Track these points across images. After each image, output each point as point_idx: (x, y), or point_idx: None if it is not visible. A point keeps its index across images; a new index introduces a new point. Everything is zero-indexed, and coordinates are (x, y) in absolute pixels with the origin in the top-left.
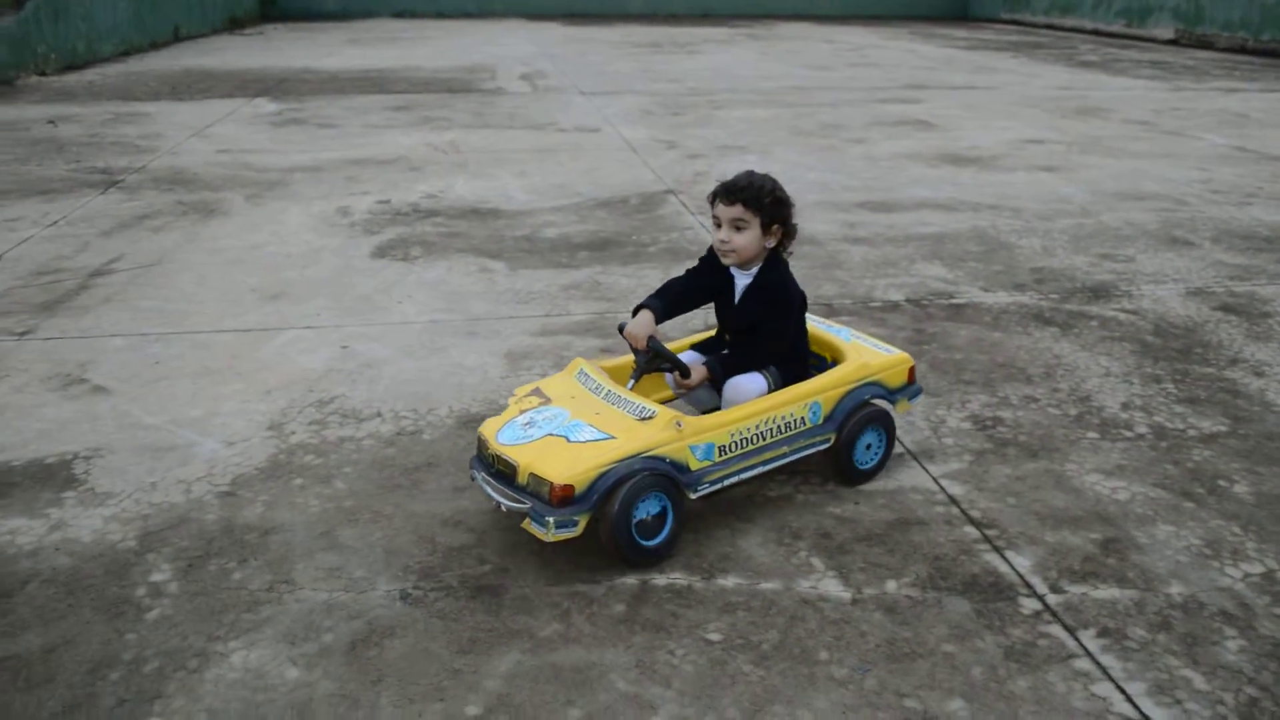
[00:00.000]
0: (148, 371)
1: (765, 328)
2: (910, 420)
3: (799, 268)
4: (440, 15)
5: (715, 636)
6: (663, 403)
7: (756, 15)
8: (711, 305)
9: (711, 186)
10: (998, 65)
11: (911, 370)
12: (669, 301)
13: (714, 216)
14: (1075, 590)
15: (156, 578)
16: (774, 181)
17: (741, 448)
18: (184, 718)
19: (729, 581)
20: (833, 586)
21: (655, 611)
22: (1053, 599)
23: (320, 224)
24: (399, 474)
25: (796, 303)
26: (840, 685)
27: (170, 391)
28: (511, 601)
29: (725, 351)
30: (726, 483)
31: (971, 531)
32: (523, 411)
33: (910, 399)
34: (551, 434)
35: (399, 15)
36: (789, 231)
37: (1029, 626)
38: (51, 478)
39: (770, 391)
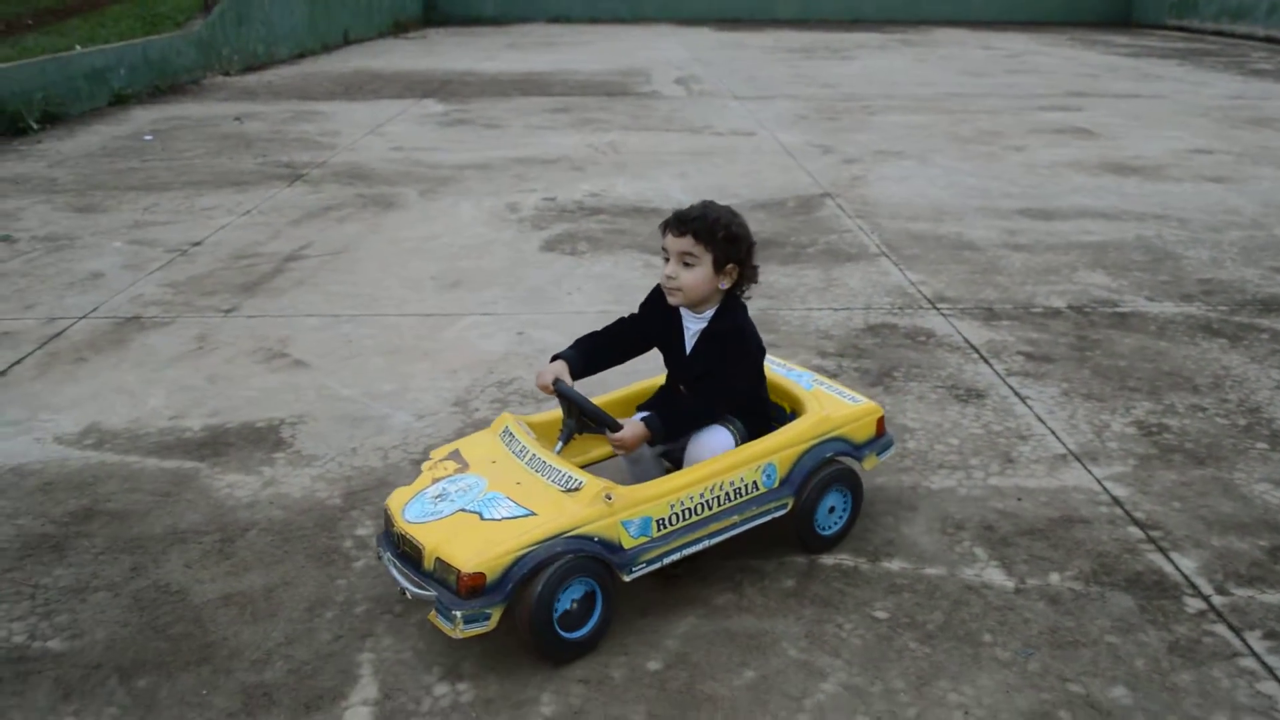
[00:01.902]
0: (342, 349)
1: (720, 379)
2: (1072, 423)
3: (958, 273)
4: (594, 20)
5: (881, 614)
6: (601, 462)
7: (910, 21)
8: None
9: (869, 191)
10: (1163, 73)
11: (880, 421)
12: (587, 351)
13: (662, 249)
14: (1241, 593)
15: (360, 532)
16: (733, 215)
17: (683, 519)
18: (393, 654)
19: (894, 565)
20: (996, 575)
21: (823, 588)
22: (1218, 600)
23: (491, 218)
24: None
25: (755, 351)
26: (1004, 666)
27: (363, 368)
28: (684, 571)
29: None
30: (667, 560)
31: (1135, 532)
32: (435, 480)
33: (880, 454)
34: (464, 509)
35: (554, 20)
36: (746, 273)
37: (1193, 624)
38: (262, 440)
39: (737, 447)
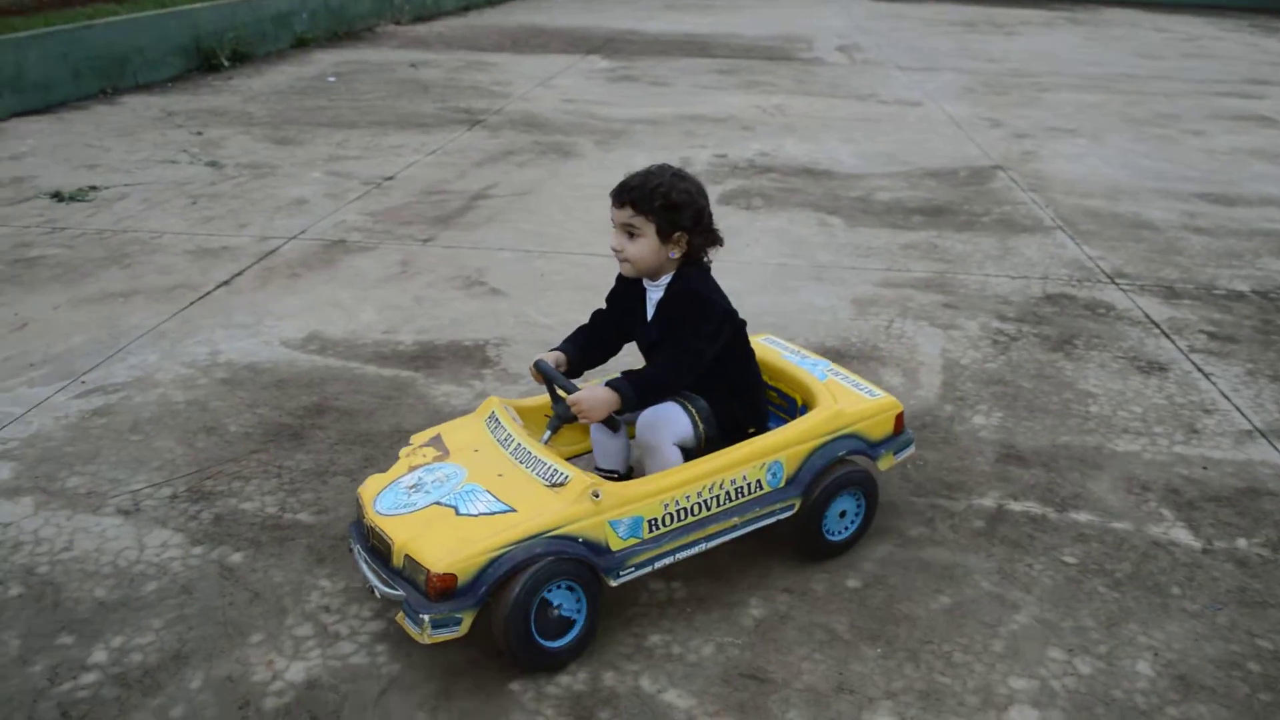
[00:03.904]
0: (535, 281)
1: (675, 340)
2: (1258, 401)
3: (1136, 251)
4: None
5: (1070, 560)
6: (580, 456)
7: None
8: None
9: (1042, 166)
10: None
11: (899, 418)
12: (580, 345)
13: (611, 219)
14: None
15: None
16: (678, 180)
17: (678, 519)
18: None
19: (1081, 517)
20: (1182, 535)
21: (1013, 531)
22: None
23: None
24: None
25: (716, 316)
26: (1192, 617)
27: (557, 299)
28: (880, 504)
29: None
30: (659, 564)
31: None
32: (412, 469)
33: (897, 452)
34: (439, 502)
35: None
36: (701, 239)
37: None
38: (470, 357)
39: (696, 429)
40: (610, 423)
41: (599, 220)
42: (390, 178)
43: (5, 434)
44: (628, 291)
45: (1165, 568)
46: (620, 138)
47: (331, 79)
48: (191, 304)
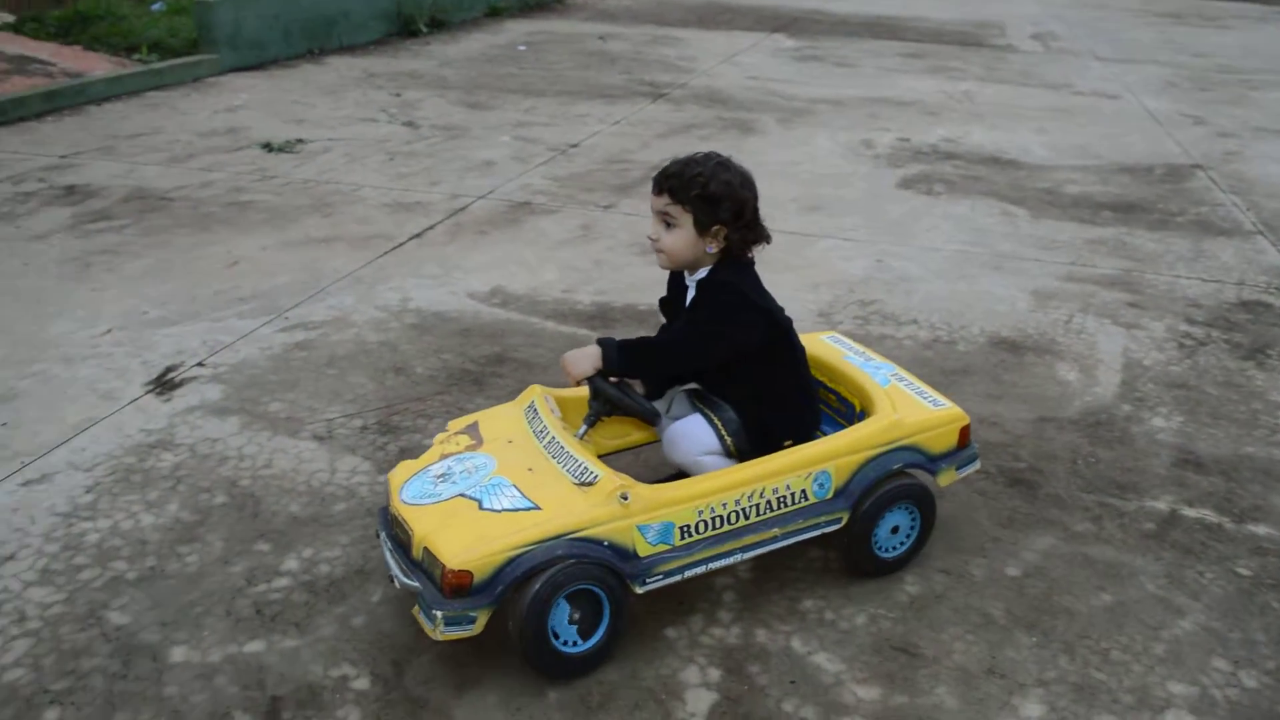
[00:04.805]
0: None
1: (689, 319)
2: None
3: None
4: None
5: (1244, 571)
6: (639, 448)
7: None
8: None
9: (1246, 168)
10: None
11: (965, 430)
12: (634, 358)
13: (650, 207)
14: None
15: None
16: (720, 170)
17: (713, 528)
18: None
19: (1260, 529)
20: None
21: (1184, 537)
22: None
23: (846, 152)
24: (936, 374)
25: (745, 311)
26: None
27: None
28: (1045, 496)
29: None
30: (688, 574)
31: None
32: (443, 457)
33: (960, 468)
34: (464, 494)
35: None
36: (741, 235)
37: None
38: (644, 321)
39: (722, 442)
40: (643, 414)
41: (779, 197)
42: (575, 145)
43: (217, 359)
44: (673, 289)
45: None
46: (802, 116)
47: (522, 48)
48: (386, 253)
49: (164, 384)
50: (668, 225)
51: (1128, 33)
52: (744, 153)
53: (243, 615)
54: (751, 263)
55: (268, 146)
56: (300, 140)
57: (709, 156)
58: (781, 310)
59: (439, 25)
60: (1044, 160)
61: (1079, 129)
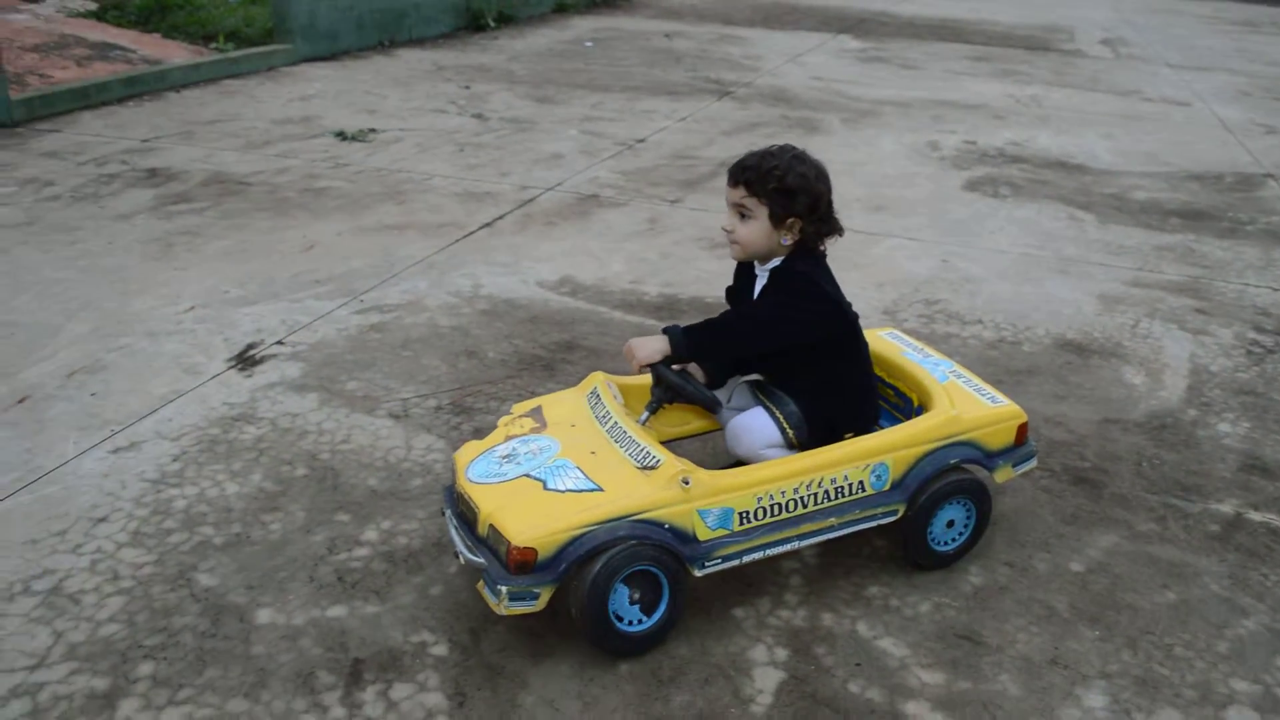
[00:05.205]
0: None
1: (752, 304)
2: None
3: None
4: None
5: None
6: (699, 436)
7: None
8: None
9: None
10: None
11: (1022, 428)
12: (700, 343)
13: (726, 199)
14: None
15: None
16: (796, 163)
17: (771, 515)
18: None
19: None
20: None
21: (1250, 540)
22: None
23: (912, 153)
24: (1002, 374)
25: (815, 301)
26: None
27: None
28: (1110, 496)
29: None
30: (746, 559)
31: None
32: (508, 438)
33: (1016, 465)
34: (529, 475)
35: None
36: (816, 228)
37: None
38: (710, 312)
39: (784, 434)
40: (704, 402)
41: (844, 196)
42: (641, 140)
43: (296, 338)
44: (741, 279)
45: None
46: (867, 117)
47: (588, 44)
48: (457, 240)
49: (245, 360)
50: (743, 216)
51: (1200, 40)
52: (810, 152)
53: (325, 581)
54: (824, 255)
55: (341, 135)
56: (373, 130)
57: (785, 149)
58: (849, 305)
59: (506, 20)
60: (1111, 166)
61: (1148, 135)
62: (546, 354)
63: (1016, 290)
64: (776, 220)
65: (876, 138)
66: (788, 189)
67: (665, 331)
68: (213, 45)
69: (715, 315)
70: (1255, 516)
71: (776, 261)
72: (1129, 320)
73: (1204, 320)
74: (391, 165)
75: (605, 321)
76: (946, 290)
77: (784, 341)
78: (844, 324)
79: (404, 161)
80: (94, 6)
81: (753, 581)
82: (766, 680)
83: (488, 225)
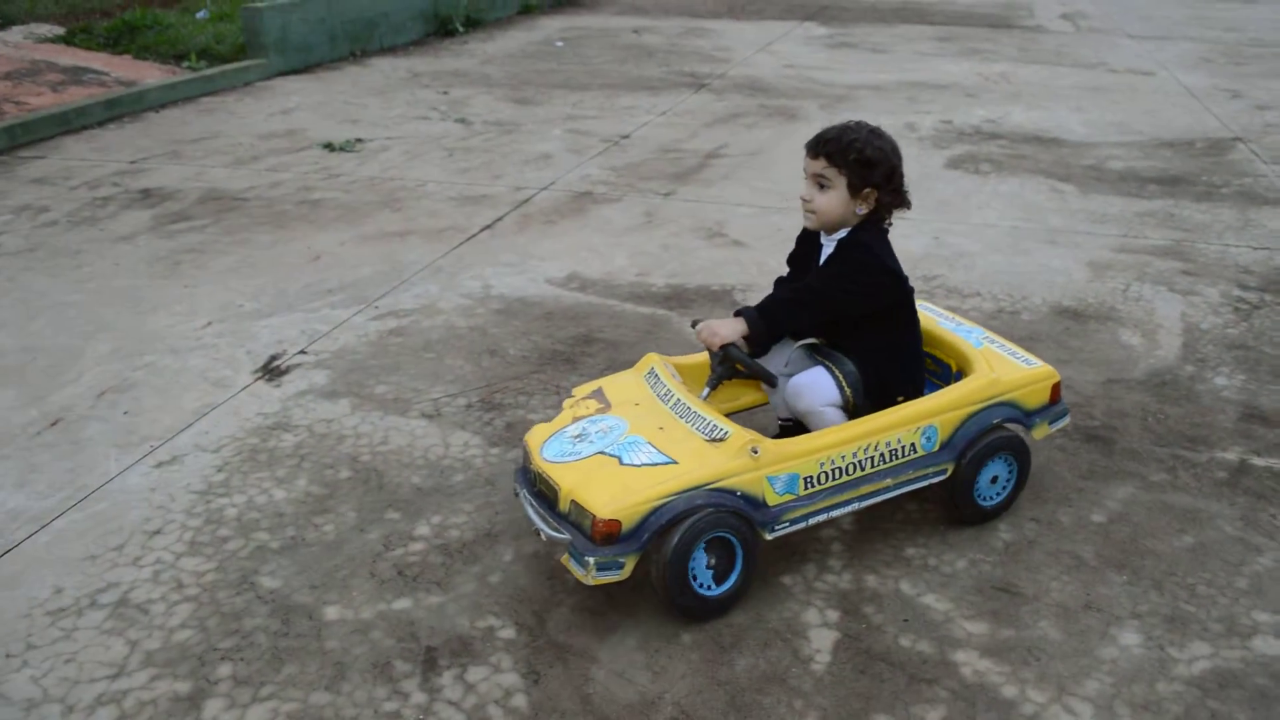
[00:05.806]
0: (774, 235)
1: (817, 277)
2: None
3: None
4: None
5: None
6: (745, 411)
7: None
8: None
9: None
10: None
11: (1056, 387)
12: (773, 319)
13: (804, 170)
14: None
15: None
16: (873, 137)
17: (833, 479)
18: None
19: None
20: None
21: (1256, 484)
22: None
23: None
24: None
25: (876, 270)
26: None
27: None
28: (1121, 451)
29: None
30: (812, 521)
31: None
32: (576, 419)
33: (1052, 422)
34: (603, 452)
35: None
36: (890, 199)
37: None
38: (719, 299)
39: (843, 393)
40: (767, 378)
41: None
42: (626, 136)
43: (317, 347)
44: (805, 247)
45: None
46: (844, 102)
47: (559, 44)
48: (461, 244)
49: (271, 371)
50: (821, 187)
51: (1158, 10)
52: (791, 138)
53: (386, 577)
54: (888, 229)
55: (329, 146)
56: (359, 139)
57: (861, 124)
58: (906, 277)
59: (474, 24)
60: (1086, 138)
61: (1116, 106)
62: (565, 348)
63: (1009, 262)
64: (854, 190)
65: None
66: (867, 160)
67: (739, 313)
68: (185, 64)
69: (727, 311)
70: (1259, 462)
71: (844, 232)
72: (1120, 285)
73: (1191, 281)
74: (383, 173)
75: (618, 314)
76: (943, 266)
77: (848, 311)
78: (901, 294)
79: (395, 169)
80: (61, 31)
81: (796, 550)
82: (822, 640)
83: (488, 227)
